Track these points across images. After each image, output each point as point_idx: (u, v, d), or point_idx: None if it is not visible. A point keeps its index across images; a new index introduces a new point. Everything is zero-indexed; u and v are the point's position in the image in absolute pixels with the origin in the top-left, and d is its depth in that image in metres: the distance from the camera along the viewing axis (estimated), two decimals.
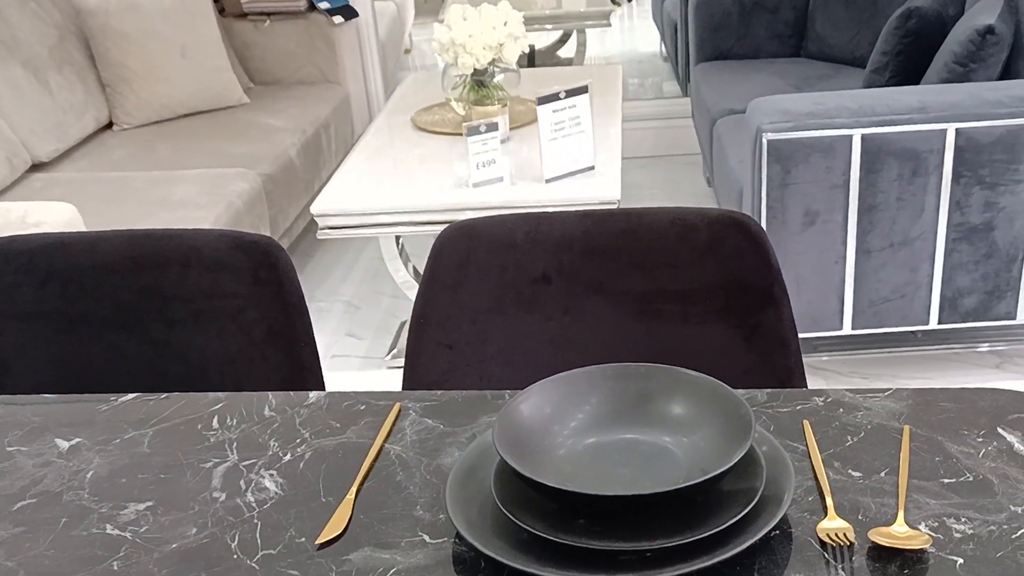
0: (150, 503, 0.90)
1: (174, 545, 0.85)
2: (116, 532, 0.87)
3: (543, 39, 5.03)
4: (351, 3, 3.80)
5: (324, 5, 3.76)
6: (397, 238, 2.58)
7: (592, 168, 2.47)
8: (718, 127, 3.03)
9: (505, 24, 2.82)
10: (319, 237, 2.48)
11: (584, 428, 0.90)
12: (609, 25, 4.69)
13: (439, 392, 1.05)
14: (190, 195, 2.80)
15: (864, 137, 2.20)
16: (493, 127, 2.41)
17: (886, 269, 2.32)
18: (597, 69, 3.84)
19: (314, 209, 2.44)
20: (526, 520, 0.80)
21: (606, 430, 0.90)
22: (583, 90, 2.42)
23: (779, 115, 2.23)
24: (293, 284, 1.20)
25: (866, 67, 2.82)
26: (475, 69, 2.81)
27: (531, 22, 4.38)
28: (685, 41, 3.88)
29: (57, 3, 3.45)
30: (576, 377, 0.92)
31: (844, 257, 2.31)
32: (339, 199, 2.46)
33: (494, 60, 2.81)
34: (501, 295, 1.23)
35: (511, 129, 2.76)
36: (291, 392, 1.06)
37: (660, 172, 3.84)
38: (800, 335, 2.38)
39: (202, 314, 1.24)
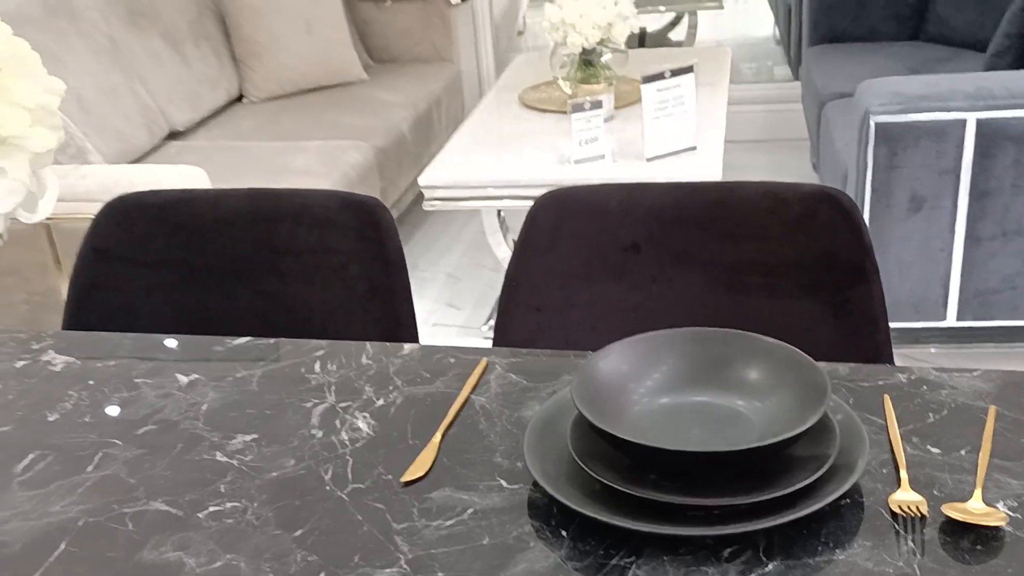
0: (255, 435, 0.98)
1: (274, 474, 0.92)
2: (224, 459, 0.94)
3: (655, 22, 5.00)
4: None
5: None
6: (499, 212, 2.64)
7: (694, 148, 2.47)
8: (827, 110, 2.97)
9: (615, 4, 2.83)
10: (425, 208, 2.56)
11: (659, 388, 0.93)
12: (722, 8, 4.64)
13: (524, 350, 1.10)
14: (308, 164, 2.92)
15: (980, 121, 2.14)
16: (597, 105, 2.44)
17: (996, 259, 2.25)
18: (706, 51, 3.81)
19: (422, 180, 2.52)
20: (599, 471, 0.84)
21: (681, 392, 0.93)
22: (688, 70, 2.42)
23: (889, 97, 2.19)
24: (394, 243, 1.26)
25: (987, 51, 2.72)
26: (583, 48, 2.84)
27: (644, 3, 4.37)
28: (799, 23, 3.81)
29: None
30: (655, 338, 0.95)
31: (951, 245, 2.25)
32: (445, 172, 2.53)
33: (602, 40, 2.84)
34: (591, 261, 1.27)
35: (616, 108, 2.78)
36: (387, 343, 1.13)
37: (766, 156, 3.79)
38: (900, 324, 2.34)
39: (309, 268, 1.31)
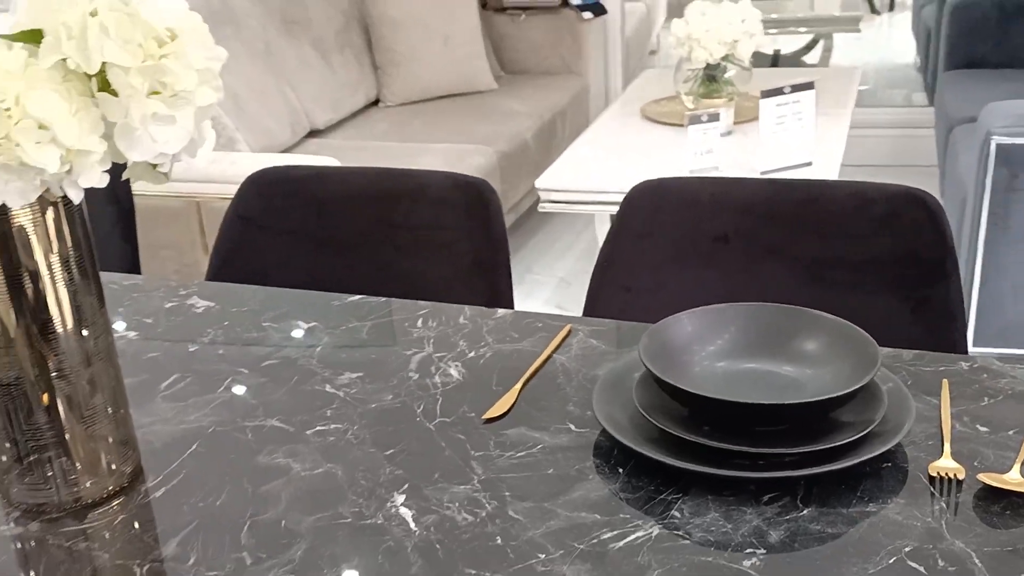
0: (360, 374, 1.11)
1: (373, 405, 1.05)
2: (332, 390, 1.08)
3: (791, 44, 4.99)
4: (602, 1, 3.99)
5: (576, 1, 3.98)
6: (611, 217, 2.73)
7: (810, 164, 2.50)
8: (954, 134, 2.94)
9: (742, 21, 2.89)
10: (540, 209, 2.68)
11: (721, 353, 1.01)
12: (858, 31, 4.60)
13: (607, 320, 1.20)
14: (434, 164, 3.09)
15: None
16: (715, 117, 2.50)
17: None
18: (833, 71, 3.81)
19: (539, 183, 2.64)
20: (658, 419, 0.93)
21: (741, 358, 1.01)
22: (809, 86, 2.46)
23: (1012, 119, 2.18)
24: (498, 221, 1.38)
25: None
26: (707, 63, 2.91)
27: (780, 24, 4.39)
28: (936, 48, 3.76)
29: None
30: (721, 309, 1.03)
31: None
32: (562, 176, 2.65)
33: (727, 56, 2.90)
34: (682, 249, 1.36)
35: (736, 124, 2.83)
36: (484, 308, 1.24)
37: (893, 180, 3.74)
38: (1005, 349, 2.30)
39: (422, 242, 1.45)
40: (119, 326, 1.25)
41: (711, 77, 2.95)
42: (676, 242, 1.36)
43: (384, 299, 1.28)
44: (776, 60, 4.70)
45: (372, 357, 1.15)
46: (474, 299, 1.38)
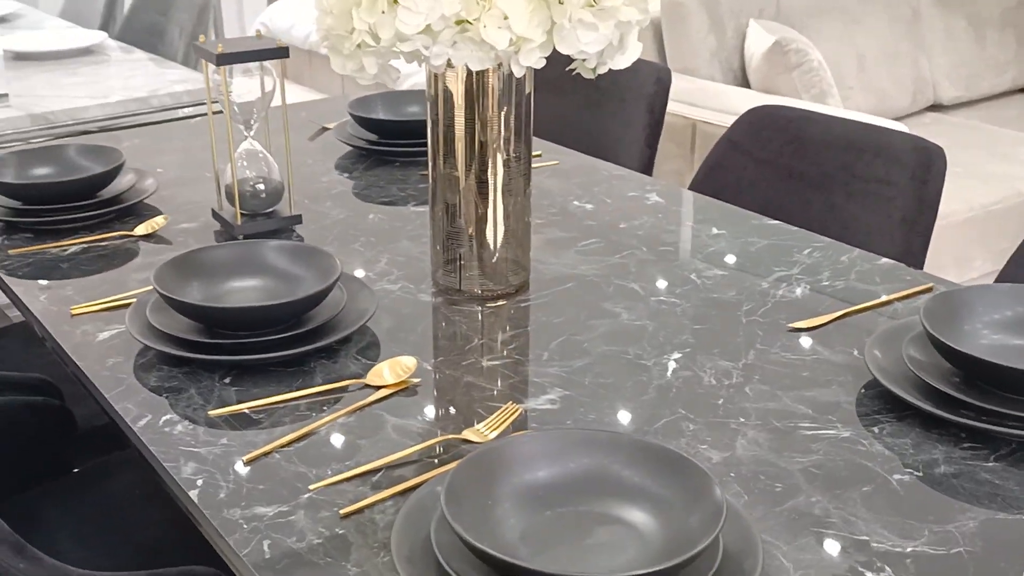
0: (724, 273, 1.30)
1: (713, 295, 1.24)
2: (695, 279, 1.29)
3: None
4: None
5: None
6: None
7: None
8: None
9: None
10: None
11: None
12: None
13: None
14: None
15: None
16: None
17: None
18: None
19: None
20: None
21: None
22: None
23: None
24: (935, 186, 1.40)
25: None
26: None
27: None
28: None
29: None
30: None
31: None
32: None
33: None
34: None
35: None
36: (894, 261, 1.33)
37: None
38: None
39: (869, 193, 1.53)
40: (588, 202, 1.58)
41: None
42: None
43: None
44: None
45: (744, 262, 1.33)
46: (890, 252, 1.45)
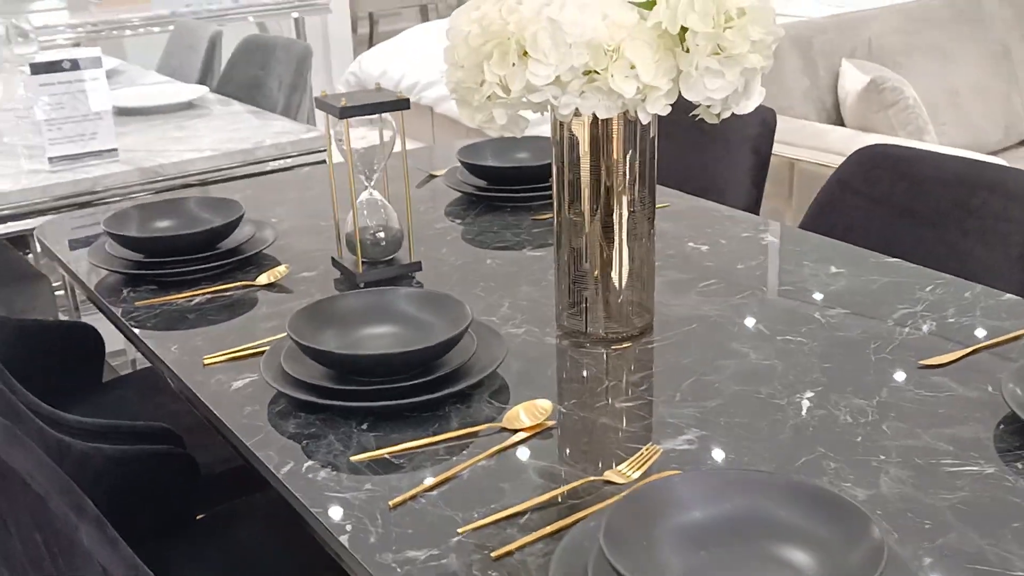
0: (846, 310, 1.29)
1: (840, 334, 1.23)
2: (817, 316, 1.29)
3: None
4: None
5: None
6: None
7: None
8: None
9: None
10: None
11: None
12: None
13: None
14: None
15: None
16: None
17: None
18: None
19: None
20: None
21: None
22: None
23: None
24: None
25: None
26: None
27: None
28: None
29: None
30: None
31: None
32: None
33: None
34: None
35: None
36: (993, 289, 1.31)
37: None
38: None
39: (986, 230, 1.51)
40: (703, 243, 1.59)
41: None
42: None
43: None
44: None
45: (866, 301, 1.32)
46: (1009, 288, 1.42)
